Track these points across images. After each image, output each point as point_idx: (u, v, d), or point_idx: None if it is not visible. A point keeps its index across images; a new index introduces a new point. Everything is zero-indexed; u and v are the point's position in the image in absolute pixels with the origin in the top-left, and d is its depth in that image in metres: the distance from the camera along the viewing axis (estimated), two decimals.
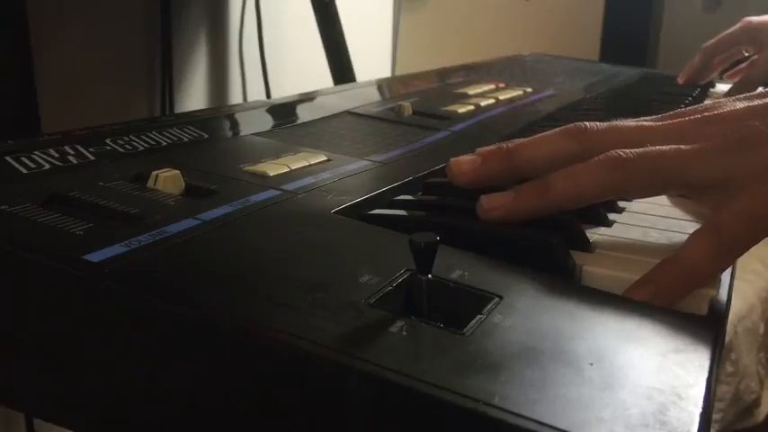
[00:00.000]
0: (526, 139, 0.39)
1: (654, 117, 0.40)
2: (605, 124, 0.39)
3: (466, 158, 0.40)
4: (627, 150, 0.35)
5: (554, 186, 0.36)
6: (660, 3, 1.52)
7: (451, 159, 0.40)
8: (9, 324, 0.29)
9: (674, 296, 0.31)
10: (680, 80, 0.98)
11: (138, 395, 0.27)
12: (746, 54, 0.97)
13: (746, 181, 0.34)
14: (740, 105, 0.38)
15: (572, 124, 0.39)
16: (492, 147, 0.40)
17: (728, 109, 0.38)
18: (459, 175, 0.39)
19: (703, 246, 0.33)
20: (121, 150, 0.42)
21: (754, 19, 0.94)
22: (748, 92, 0.40)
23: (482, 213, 0.36)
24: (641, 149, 0.35)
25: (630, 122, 0.39)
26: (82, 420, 0.29)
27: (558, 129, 0.39)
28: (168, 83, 1.01)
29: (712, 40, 0.96)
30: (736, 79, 0.97)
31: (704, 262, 0.32)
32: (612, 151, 0.35)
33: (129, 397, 0.27)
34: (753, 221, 0.33)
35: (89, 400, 0.28)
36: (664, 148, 0.35)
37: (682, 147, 0.35)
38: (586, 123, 0.38)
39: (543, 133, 0.39)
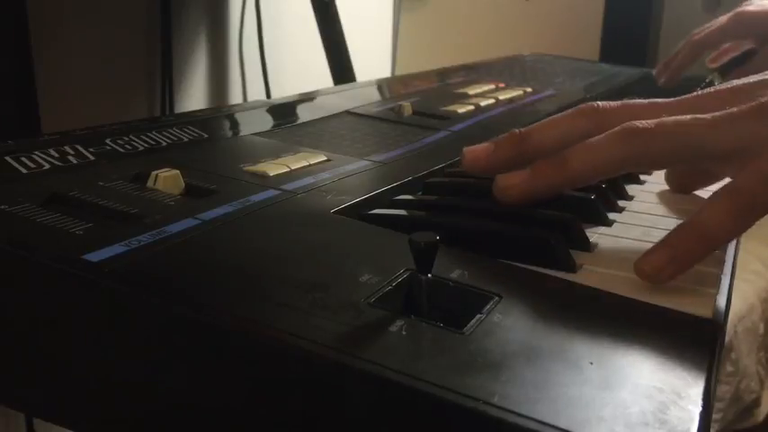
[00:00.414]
0: (538, 123, 0.39)
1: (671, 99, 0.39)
2: (618, 102, 0.38)
3: (479, 146, 0.39)
4: (643, 121, 0.35)
5: (570, 161, 0.35)
6: (660, 3, 1.52)
7: (465, 148, 0.39)
8: (9, 324, 0.29)
9: (693, 259, 0.31)
10: (661, 80, 0.87)
11: (138, 395, 0.27)
12: (745, 48, 0.89)
13: (764, 145, 0.33)
14: (753, 79, 0.38)
15: (584, 104, 0.38)
16: (505, 134, 0.39)
17: (742, 83, 0.38)
18: (473, 162, 0.39)
19: (722, 207, 0.32)
20: (121, 150, 0.42)
21: (749, 8, 0.85)
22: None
23: (498, 193, 0.36)
24: (657, 119, 0.35)
25: (643, 100, 0.39)
26: (82, 420, 0.29)
27: (570, 110, 0.38)
28: (168, 83, 1.01)
29: (701, 33, 0.87)
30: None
31: (724, 223, 0.32)
32: (629, 122, 0.35)
33: (129, 397, 0.27)
34: None
35: (89, 400, 0.28)
36: (680, 117, 0.35)
37: (698, 116, 0.35)
38: (599, 102, 0.38)
39: (555, 116, 0.39)
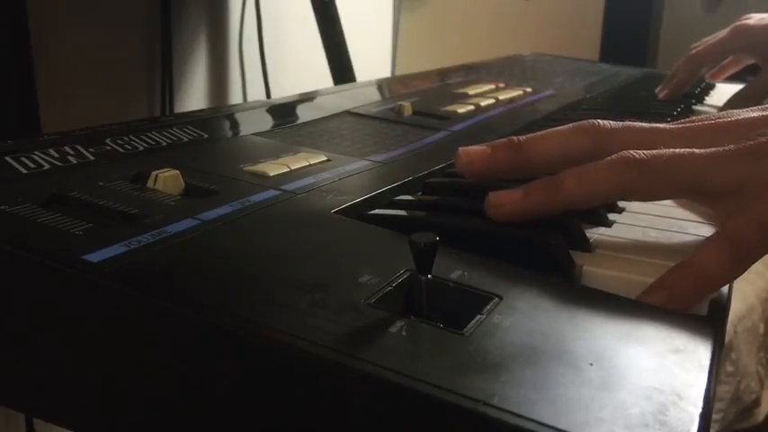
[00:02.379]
0: (538, 133, 0.39)
1: (668, 124, 0.39)
2: (619, 123, 0.38)
3: (475, 148, 0.39)
4: (640, 151, 0.35)
5: (565, 185, 0.35)
6: (660, 3, 1.52)
7: (460, 148, 0.39)
8: (9, 324, 0.29)
9: (688, 302, 0.31)
10: (660, 95, 0.84)
11: (138, 395, 0.27)
12: (746, 62, 0.87)
13: (761, 188, 0.33)
14: (755, 114, 0.37)
15: (585, 121, 0.38)
16: (503, 139, 0.39)
17: (743, 117, 0.38)
18: (468, 165, 0.39)
19: (717, 253, 0.32)
20: (121, 150, 0.42)
21: (749, 22, 0.82)
22: (751, 105, 0.39)
23: (490, 210, 0.36)
24: (655, 151, 0.35)
25: (644, 124, 0.38)
26: (82, 420, 0.29)
27: (570, 125, 0.38)
28: (168, 83, 1.01)
29: (701, 47, 0.84)
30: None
31: (718, 269, 0.32)
32: (626, 151, 0.35)
33: (129, 397, 0.27)
34: (765, 227, 0.32)
35: (89, 400, 0.28)
36: (678, 150, 0.35)
37: (696, 151, 0.35)
38: (600, 121, 0.38)
39: (555, 128, 0.38)
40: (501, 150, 0.38)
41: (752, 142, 0.34)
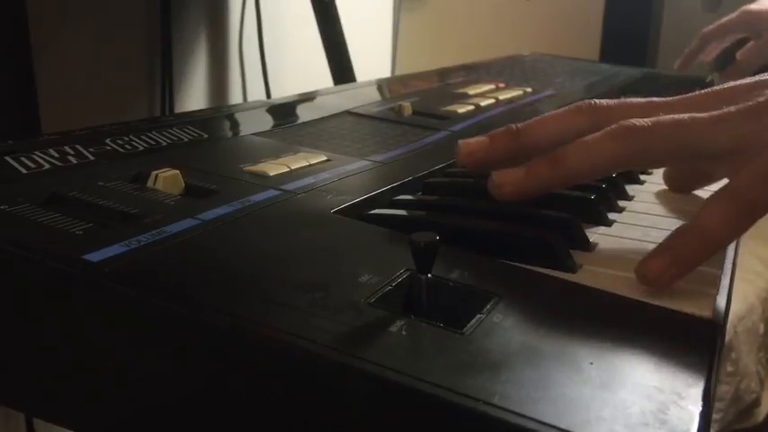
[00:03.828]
0: (534, 119, 0.38)
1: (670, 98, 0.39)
2: (615, 100, 0.38)
3: (474, 140, 0.39)
4: (640, 119, 0.34)
5: (566, 158, 0.35)
6: (660, 3, 1.51)
7: (460, 141, 0.39)
8: (9, 324, 0.29)
9: (693, 263, 0.30)
10: (677, 64, 1.01)
11: (138, 395, 0.27)
12: (750, 41, 0.99)
13: (763, 145, 0.33)
14: (750, 80, 0.38)
15: (581, 101, 0.38)
16: (500, 128, 0.39)
17: (739, 83, 0.38)
18: (467, 156, 0.39)
19: (722, 209, 0.32)
20: (121, 150, 0.42)
21: (753, 7, 0.96)
22: (743, 76, 0.40)
23: (493, 189, 0.35)
24: (655, 118, 0.34)
25: (641, 99, 0.38)
26: (82, 420, 0.29)
27: (566, 107, 0.38)
28: (168, 83, 1.01)
29: (712, 26, 1.00)
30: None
31: (723, 226, 0.31)
32: (625, 120, 0.34)
33: (129, 396, 0.27)
34: None
35: (89, 400, 0.28)
36: (678, 116, 0.35)
37: (696, 115, 0.34)
38: (596, 100, 0.38)
39: (552, 112, 0.38)
40: (499, 139, 0.38)
41: (751, 102, 0.34)
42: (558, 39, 1.57)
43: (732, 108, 0.35)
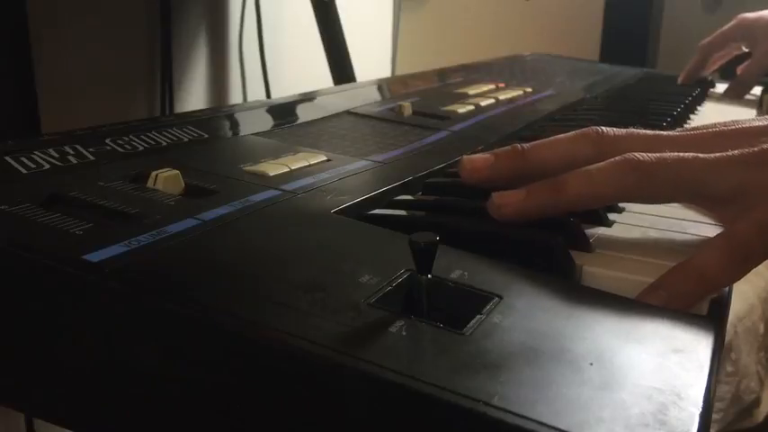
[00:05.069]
0: (541, 141, 0.39)
1: (672, 131, 0.39)
2: (622, 130, 0.38)
3: (479, 156, 0.39)
4: (644, 153, 0.35)
5: (568, 185, 0.35)
6: (660, 3, 1.51)
7: (464, 157, 0.39)
8: (9, 324, 0.29)
9: (687, 303, 0.31)
10: (680, 78, 1.01)
11: (138, 394, 0.27)
12: (745, 50, 1.01)
13: (764, 193, 0.33)
14: (760, 123, 0.38)
15: (588, 128, 0.38)
16: (506, 147, 0.39)
17: (747, 125, 0.38)
18: (472, 173, 0.39)
19: (718, 255, 0.32)
20: (121, 150, 0.42)
21: (749, 15, 0.98)
22: (745, 91, 0.40)
23: (493, 210, 0.36)
24: (659, 154, 0.35)
25: (648, 131, 0.38)
26: (82, 420, 0.29)
27: (573, 132, 0.38)
28: (168, 83, 1.01)
29: (708, 38, 1.01)
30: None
31: (719, 271, 0.32)
32: (630, 153, 0.35)
33: (129, 396, 0.27)
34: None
35: (89, 400, 0.28)
36: (682, 154, 0.35)
37: (700, 155, 0.35)
38: (603, 128, 0.38)
39: (558, 135, 0.39)
40: (504, 158, 0.38)
41: (756, 149, 0.34)
42: (558, 39, 1.57)
43: (737, 152, 0.35)
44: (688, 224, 0.39)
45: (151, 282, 0.27)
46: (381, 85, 0.78)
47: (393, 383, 0.22)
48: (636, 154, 0.35)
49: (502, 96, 0.72)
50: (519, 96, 0.75)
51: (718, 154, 0.35)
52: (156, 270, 0.28)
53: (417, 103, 0.63)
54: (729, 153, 0.35)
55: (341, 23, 1.11)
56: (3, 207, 0.31)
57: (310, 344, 0.24)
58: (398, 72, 1.68)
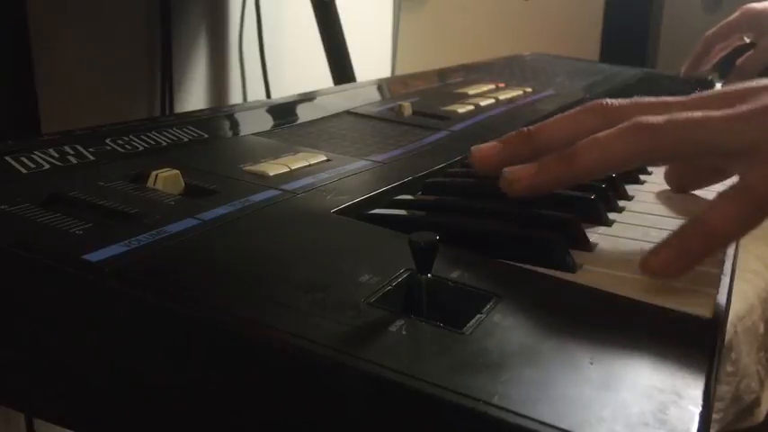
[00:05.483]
0: (546, 121, 0.39)
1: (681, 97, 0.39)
2: (627, 100, 0.38)
3: (486, 145, 0.39)
4: (653, 116, 0.35)
5: (579, 155, 0.35)
6: (660, 2, 1.51)
7: (472, 147, 0.39)
8: (9, 324, 0.29)
9: (700, 256, 0.31)
10: (683, 69, 1.00)
11: (138, 394, 0.27)
12: (747, 41, 0.99)
13: None
14: (754, 83, 0.38)
15: (592, 102, 0.38)
16: (512, 132, 0.39)
17: (754, 84, 0.38)
18: (481, 162, 0.39)
19: (730, 207, 0.32)
20: (121, 150, 0.42)
21: (756, 5, 0.96)
22: (746, 78, 0.40)
23: (505, 186, 0.36)
24: (668, 115, 0.35)
25: (653, 98, 0.38)
26: (82, 420, 0.29)
27: (577, 108, 0.38)
28: (168, 83, 1.01)
29: (713, 29, 0.99)
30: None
31: (731, 222, 0.32)
32: (638, 117, 0.35)
33: (129, 396, 0.27)
34: None
35: (89, 400, 0.28)
36: (691, 113, 0.35)
37: (710, 113, 0.35)
38: (607, 100, 0.38)
39: (563, 114, 0.39)
40: (511, 143, 0.39)
41: (761, 103, 0.35)
42: (558, 39, 1.57)
43: (745, 108, 0.35)
44: None
45: (151, 281, 0.27)
46: (381, 85, 0.78)
47: (393, 383, 0.22)
48: (645, 117, 0.35)
49: (502, 96, 0.72)
50: (519, 96, 0.75)
51: (727, 110, 0.35)
52: (156, 270, 0.28)
53: (417, 103, 0.63)
54: (739, 109, 0.35)
55: (341, 23, 1.10)
56: (3, 207, 0.31)
57: (310, 343, 0.24)
58: (398, 72, 1.68)
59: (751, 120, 0.34)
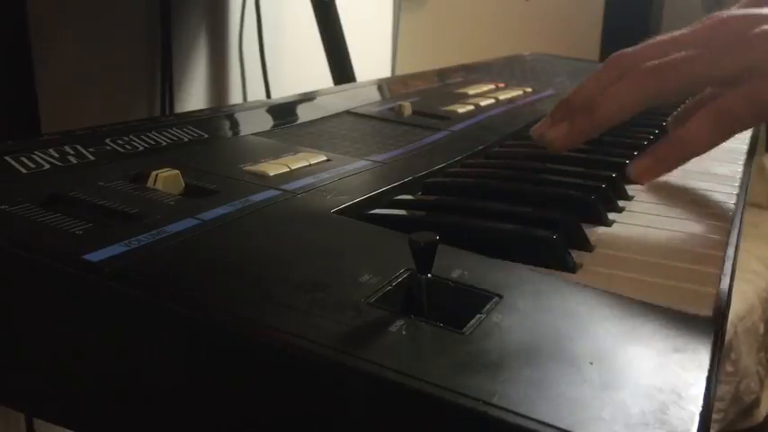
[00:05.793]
0: (578, 86, 0.46)
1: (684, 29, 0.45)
2: (638, 46, 0.45)
3: (540, 125, 0.46)
4: (655, 62, 0.41)
5: (598, 107, 0.42)
6: (660, 2, 1.52)
7: (532, 132, 0.47)
8: (9, 324, 0.29)
9: (671, 164, 0.41)
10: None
11: (138, 394, 0.27)
12: None
13: (759, 74, 0.39)
14: (751, 11, 0.43)
15: (611, 56, 0.45)
16: (556, 105, 0.46)
17: (738, 13, 0.43)
18: (540, 138, 0.46)
19: (703, 121, 0.40)
20: (121, 150, 0.42)
21: None
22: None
23: (546, 145, 0.45)
24: (668, 58, 0.41)
25: (661, 36, 0.45)
26: (82, 420, 0.29)
27: (601, 65, 0.45)
28: (168, 83, 1.01)
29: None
30: None
31: (702, 134, 0.40)
32: (642, 65, 0.42)
33: (129, 396, 0.27)
34: (754, 104, 0.39)
35: (89, 400, 0.28)
36: (688, 52, 0.41)
37: (705, 49, 0.41)
38: (623, 51, 0.44)
39: (593, 73, 0.45)
40: (558, 113, 0.46)
41: (757, 30, 0.40)
42: (558, 39, 1.57)
43: (739, 37, 0.40)
44: (689, 223, 0.39)
45: (151, 281, 0.27)
46: (381, 85, 0.78)
47: (393, 383, 0.22)
48: (648, 64, 0.41)
49: (502, 96, 0.72)
50: (519, 96, 0.75)
51: (721, 42, 0.41)
52: (156, 270, 0.28)
53: (417, 103, 0.63)
54: (731, 38, 0.41)
55: (341, 23, 1.10)
56: (3, 207, 0.31)
57: (310, 343, 0.24)
58: (398, 72, 1.68)
59: (748, 44, 0.40)
